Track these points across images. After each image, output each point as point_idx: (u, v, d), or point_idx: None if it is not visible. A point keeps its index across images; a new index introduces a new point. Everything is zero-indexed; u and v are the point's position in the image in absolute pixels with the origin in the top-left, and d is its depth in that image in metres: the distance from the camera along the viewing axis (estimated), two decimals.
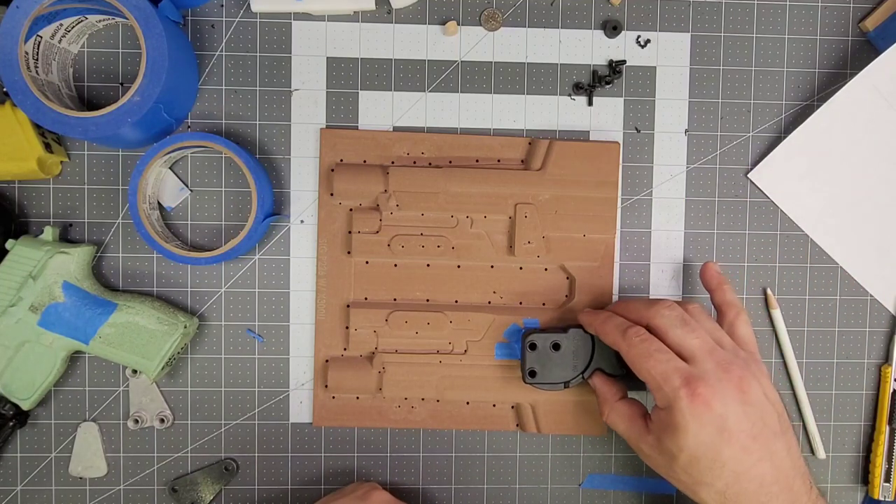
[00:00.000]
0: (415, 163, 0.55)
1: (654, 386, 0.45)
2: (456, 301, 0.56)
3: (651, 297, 0.56)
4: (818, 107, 0.55)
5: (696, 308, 0.49)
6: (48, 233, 0.52)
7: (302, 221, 0.55)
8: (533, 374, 0.52)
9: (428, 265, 0.55)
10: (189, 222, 0.55)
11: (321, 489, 0.56)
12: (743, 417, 0.44)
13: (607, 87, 0.56)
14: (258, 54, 0.55)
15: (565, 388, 0.52)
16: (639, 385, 0.51)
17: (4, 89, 0.48)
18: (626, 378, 0.51)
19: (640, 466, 0.57)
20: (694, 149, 0.57)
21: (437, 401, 0.55)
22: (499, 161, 0.55)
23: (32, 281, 0.50)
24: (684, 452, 0.45)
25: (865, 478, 0.58)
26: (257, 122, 0.55)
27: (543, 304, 0.56)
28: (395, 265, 0.55)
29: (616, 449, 0.57)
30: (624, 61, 0.56)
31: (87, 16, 0.51)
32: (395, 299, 0.55)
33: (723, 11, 0.56)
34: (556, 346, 0.52)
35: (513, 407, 0.56)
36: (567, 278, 0.56)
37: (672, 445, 0.45)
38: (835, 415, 0.58)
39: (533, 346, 0.52)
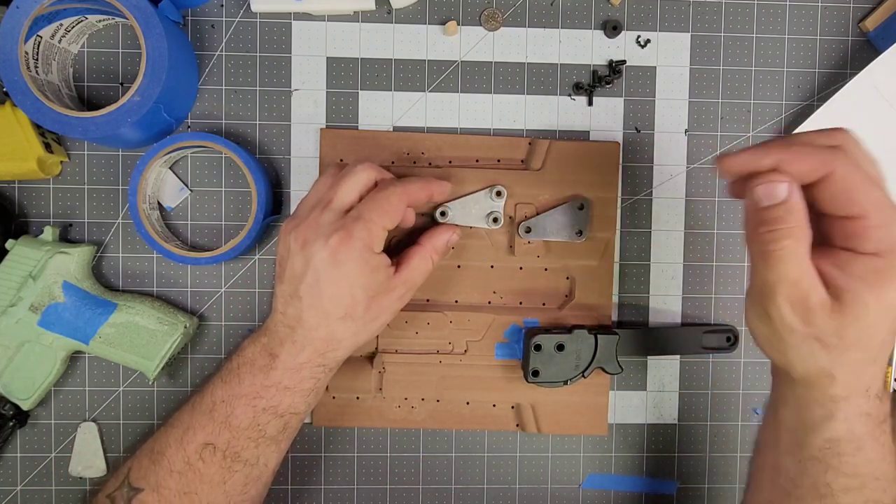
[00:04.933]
0: (415, 163, 0.55)
1: (881, 221, 0.36)
2: (456, 301, 0.55)
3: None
4: (818, 107, 0.55)
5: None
6: (48, 233, 0.52)
7: None
8: (536, 373, 0.52)
9: None
10: (189, 222, 0.55)
11: (321, 489, 0.56)
12: None
13: (607, 87, 0.56)
14: (258, 54, 0.55)
15: (564, 385, 0.53)
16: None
17: (4, 89, 0.48)
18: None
19: (640, 466, 0.57)
20: (694, 149, 0.57)
21: (437, 401, 0.55)
22: (499, 161, 0.55)
23: (32, 281, 0.50)
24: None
25: None
26: (257, 122, 0.55)
27: (543, 304, 0.56)
28: None
29: (616, 449, 0.57)
30: (624, 61, 0.56)
31: (87, 16, 0.51)
32: None
33: (723, 11, 0.56)
34: (560, 347, 0.52)
35: (513, 407, 0.56)
36: (567, 278, 0.56)
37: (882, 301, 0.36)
38: None
39: (538, 348, 0.52)
